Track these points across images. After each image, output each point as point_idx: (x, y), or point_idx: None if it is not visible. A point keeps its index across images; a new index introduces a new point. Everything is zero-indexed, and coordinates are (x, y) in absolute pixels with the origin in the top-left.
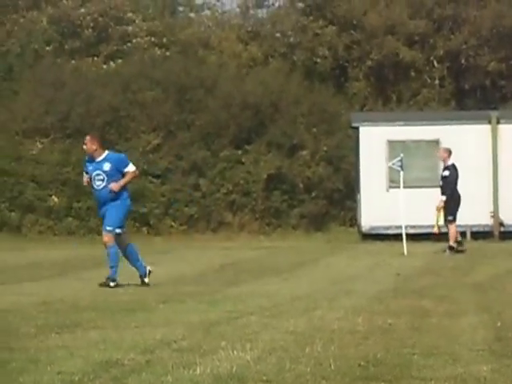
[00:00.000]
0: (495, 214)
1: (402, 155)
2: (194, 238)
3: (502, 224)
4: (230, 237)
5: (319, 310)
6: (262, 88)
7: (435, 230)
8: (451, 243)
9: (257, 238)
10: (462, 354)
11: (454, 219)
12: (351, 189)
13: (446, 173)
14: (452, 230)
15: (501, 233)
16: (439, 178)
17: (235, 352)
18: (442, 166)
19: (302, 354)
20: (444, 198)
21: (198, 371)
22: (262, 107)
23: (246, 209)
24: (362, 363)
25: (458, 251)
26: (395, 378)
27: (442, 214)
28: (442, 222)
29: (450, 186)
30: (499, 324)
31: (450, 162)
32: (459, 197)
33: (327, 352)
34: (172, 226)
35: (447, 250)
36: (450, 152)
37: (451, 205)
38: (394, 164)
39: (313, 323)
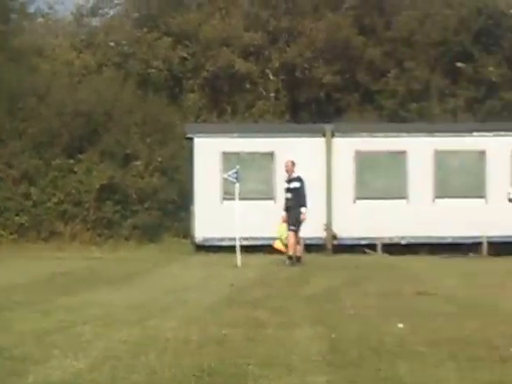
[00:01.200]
0: (328, 227)
1: (238, 167)
2: (25, 248)
3: (334, 237)
4: (61, 247)
5: (153, 319)
6: (95, 96)
7: (278, 245)
8: (290, 253)
9: (88, 248)
10: (298, 365)
11: (297, 230)
12: (185, 200)
13: (297, 184)
14: (296, 240)
15: (334, 245)
16: (274, 189)
17: (68, 360)
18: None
19: (136, 362)
20: (304, 209)
21: (31, 379)
22: (95, 116)
23: (78, 219)
24: (197, 373)
25: (295, 262)
26: None
27: (285, 228)
28: (285, 235)
29: (304, 197)
30: (334, 335)
31: (295, 174)
32: None
33: (162, 361)
34: (2, 235)
35: (288, 261)
36: (294, 164)
37: (295, 216)
38: (229, 175)
39: (147, 332)
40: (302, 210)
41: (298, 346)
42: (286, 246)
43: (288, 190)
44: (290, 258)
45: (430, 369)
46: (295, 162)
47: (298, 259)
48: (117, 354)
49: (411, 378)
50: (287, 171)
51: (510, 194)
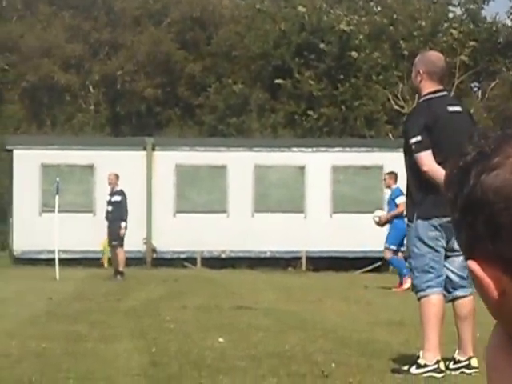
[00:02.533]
0: (148, 241)
1: (58, 179)
2: None
3: (154, 250)
4: None
5: None
6: None
7: (105, 262)
8: (121, 268)
9: None
10: (118, 379)
11: (122, 244)
12: (3, 212)
13: (118, 198)
14: (121, 254)
15: (153, 259)
16: (93, 202)
17: None
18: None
19: None
20: (124, 223)
21: None
22: None
23: None
24: None
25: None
26: None
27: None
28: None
29: (125, 211)
30: (154, 349)
31: (118, 188)
32: None
33: None
34: None
35: (118, 276)
36: (118, 177)
37: (116, 230)
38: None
39: None
40: (122, 224)
41: (118, 359)
42: (109, 259)
43: (109, 202)
44: (121, 273)
45: None
46: (118, 175)
47: (120, 273)
48: None
49: None
50: (110, 184)
51: (375, 217)
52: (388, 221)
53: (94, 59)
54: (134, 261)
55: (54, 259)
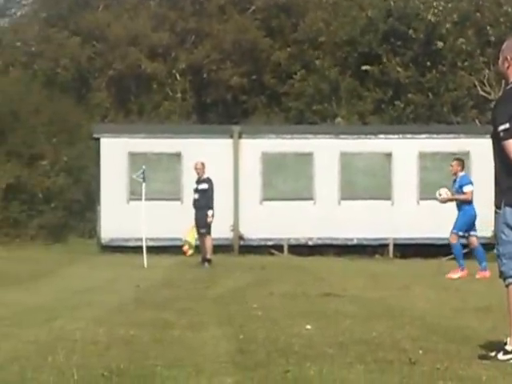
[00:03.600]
0: (235, 228)
1: (144, 167)
2: None
3: (241, 238)
4: None
5: (60, 319)
6: (1, 96)
7: (187, 249)
8: (209, 256)
9: None
10: (206, 366)
11: (209, 232)
12: (91, 200)
13: (205, 186)
14: (208, 242)
15: (240, 246)
16: (181, 190)
17: None
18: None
19: (44, 363)
20: (211, 211)
21: None
22: (2, 115)
23: None
24: (106, 373)
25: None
26: None
27: (194, 232)
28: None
29: (211, 199)
30: (241, 337)
31: (205, 175)
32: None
33: (70, 362)
34: None
35: (206, 263)
36: (204, 165)
37: (203, 217)
38: (137, 176)
39: (54, 333)
40: (209, 212)
41: (206, 347)
42: (195, 247)
43: (196, 190)
44: (209, 260)
45: (338, 371)
46: (205, 163)
47: (208, 261)
48: (25, 354)
49: (320, 380)
50: (197, 172)
51: (440, 195)
52: (450, 200)
53: (181, 48)
54: (221, 248)
55: (141, 247)
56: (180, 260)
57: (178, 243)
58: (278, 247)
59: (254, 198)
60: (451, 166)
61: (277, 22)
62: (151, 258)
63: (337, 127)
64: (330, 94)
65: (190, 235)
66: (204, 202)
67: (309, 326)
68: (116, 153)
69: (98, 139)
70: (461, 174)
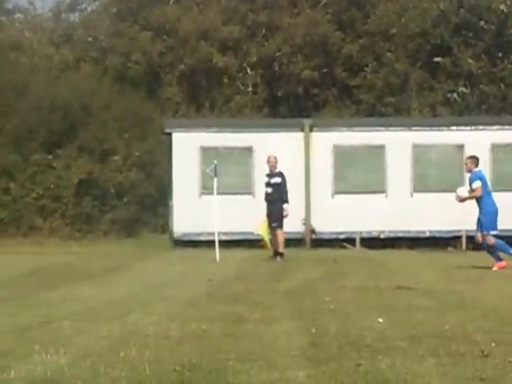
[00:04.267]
0: (307, 222)
1: (215, 162)
2: (4, 243)
3: (313, 231)
4: (40, 242)
5: (133, 314)
6: (72, 92)
7: (265, 243)
8: (281, 249)
9: (67, 243)
10: (278, 360)
11: (281, 226)
12: (163, 195)
13: (278, 179)
14: (281, 236)
15: (312, 240)
16: (252, 184)
17: (49, 356)
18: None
19: (116, 358)
20: (286, 205)
21: (13, 375)
22: (73, 111)
23: (57, 214)
24: (178, 368)
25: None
26: (210, 382)
27: (266, 225)
28: (265, 234)
29: (285, 193)
30: (314, 330)
31: (277, 169)
32: None
33: (142, 357)
34: None
35: (278, 257)
36: (277, 159)
37: (277, 211)
38: (209, 170)
39: (127, 328)
40: (284, 206)
41: (278, 340)
42: (270, 241)
43: (269, 184)
44: (281, 254)
45: (410, 364)
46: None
47: (280, 254)
48: (97, 349)
49: (392, 373)
50: (270, 166)
51: (456, 195)
52: (468, 199)
53: (251, 41)
54: (293, 242)
55: (213, 241)
56: (252, 254)
57: (250, 237)
58: (350, 240)
59: (325, 192)
60: (465, 164)
61: (348, 15)
62: (223, 252)
63: (409, 119)
64: (401, 87)
65: (261, 229)
66: (277, 195)
67: (381, 320)
68: (188, 147)
69: (170, 134)
70: (475, 170)
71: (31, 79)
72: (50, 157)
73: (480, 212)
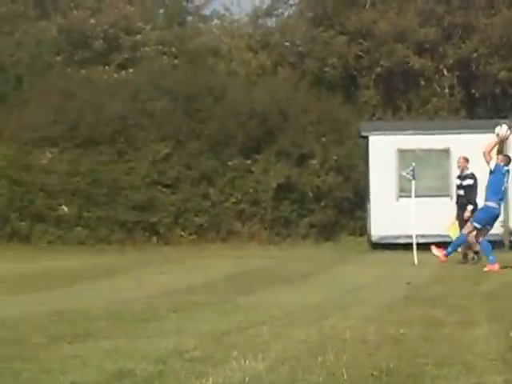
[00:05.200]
0: (505, 224)
1: (413, 164)
2: (204, 248)
3: (511, 233)
4: (239, 246)
5: (331, 318)
6: (270, 97)
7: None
8: (476, 248)
9: (266, 247)
10: (476, 364)
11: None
12: (361, 198)
13: (470, 181)
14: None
15: (511, 242)
16: (450, 187)
17: (247, 362)
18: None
19: (314, 363)
20: (471, 207)
21: (211, 381)
22: (271, 116)
23: (256, 218)
24: (375, 373)
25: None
26: None
27: (457, 226)
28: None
29: (474, 195)
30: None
31: (469, 171)
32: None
33: (339, 361)
34: (181, 236)
35: (474, 256)
36: (468, 160)
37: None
38: (407, 173)
39: (324, 332)
40: (468, 207)
41: (476, 344)
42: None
43: (460, 186)
44: (477, 252)
45: None
46: (469, 158)
47: (476, 253)
48: (295, 354)
49: None
50: (460, 167)
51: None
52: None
53: (448, 43)
54: (492, 244)
55: (411, 244)
56: (449, 257)
57: (448, 240)
58: None
59: None
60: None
61: None
62: (421, 255)
63: None
64: None
65: (451, 230)
66: (469, 197)
67: None
68: (384, 150)
69: (367, 137)
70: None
71: (229, 84)
72: (249, 162)
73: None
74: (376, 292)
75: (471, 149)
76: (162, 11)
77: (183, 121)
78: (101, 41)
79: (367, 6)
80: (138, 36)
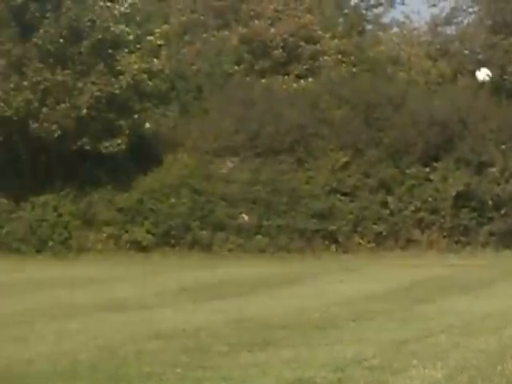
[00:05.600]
0: None
1: None
2: (382, 256)
3: None
4: (418, 254)
5: (510, 328)
6: (449, 105)
7: None
8: None
9: (445, 255)
10: None
11: None
12: None
13: None
14: None
15: None
16: None
17: (426, 370)
18: None
19: (493, 372)
20: None
21: None
22: (450, 124)
23: (435, 226)
24: None
25: None
26: None
27: None
28: None
29: None
30: None
31: None
32: None
33: None
34: (360, 244)
35: None
36: None
37: None
38: None
39: (503, 341)
40: None
41: None
42: None
43: None
44: None
45: None
46: None
47: None
48: (474, 363)
49: None
50: None
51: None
52: None
53: None
54: None
55: None
56: None
57: None
58: None
59: None
60: None
61: None
62: None
63: None
64: None
65: None
66: None
67: None
68: None
69: None
70: None
71: (408, 93)
72: (427, 169)
73: None
74: None
75: None
76: (341, 20)
77: (362, 129)
78: (280, 50)
79: None
80: (318, 45)
